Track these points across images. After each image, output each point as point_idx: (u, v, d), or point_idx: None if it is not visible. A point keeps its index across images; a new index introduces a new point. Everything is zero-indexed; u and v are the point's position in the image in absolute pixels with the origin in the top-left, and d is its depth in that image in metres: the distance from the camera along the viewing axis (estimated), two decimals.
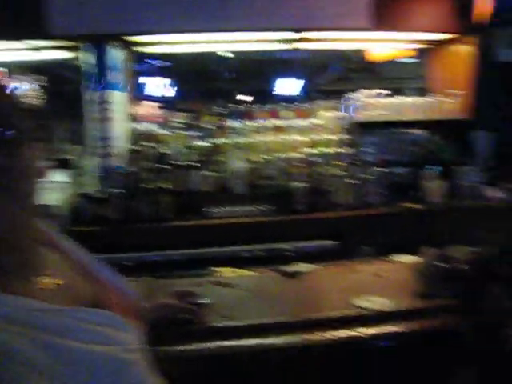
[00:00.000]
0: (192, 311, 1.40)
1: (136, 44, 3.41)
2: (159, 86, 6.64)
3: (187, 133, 3.37)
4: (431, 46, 3.86)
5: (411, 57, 4.39)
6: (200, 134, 3.37)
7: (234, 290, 1.74)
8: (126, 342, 0.70)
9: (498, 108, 3.68)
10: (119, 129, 3.22)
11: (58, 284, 0.78)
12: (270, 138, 3.26)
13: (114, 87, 3.19)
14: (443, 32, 3.54)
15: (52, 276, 0.78)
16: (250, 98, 6.32)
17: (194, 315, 1.41)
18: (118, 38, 3.18)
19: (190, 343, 1.37)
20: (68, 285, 0.80)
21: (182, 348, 1.36)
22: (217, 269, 2.06)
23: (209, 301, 1.49)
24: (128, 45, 3.33)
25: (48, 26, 3.01)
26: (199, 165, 3.10)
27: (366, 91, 3.52)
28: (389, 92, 3.52)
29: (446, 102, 3.53)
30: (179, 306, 1.39)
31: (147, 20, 3.10)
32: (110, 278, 0.94)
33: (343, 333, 1.41)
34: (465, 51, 3.59)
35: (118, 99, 3.21)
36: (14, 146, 0.67)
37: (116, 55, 3.19)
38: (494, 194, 3.43)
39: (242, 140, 3.23)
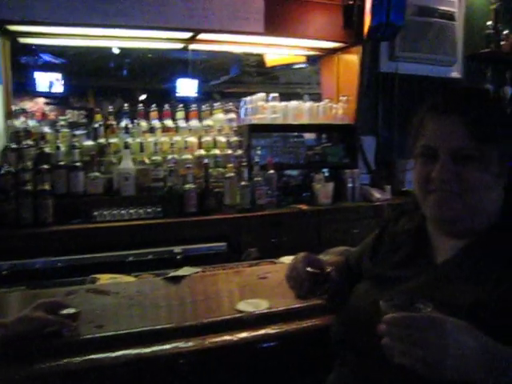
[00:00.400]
0: (60, 323, 1.30)
1: (19, 34, 3.15)
2: (49, 82, 6.23)
3: (73, 131, 3.17)
4: (322, 54, 4.02)
5: (304, 63, 4.53)
6: (87, 132, 3.18)
7: (110, 297, 1.65)
8: None
9: (378, 115, 3.93)
10: None
11: None
12: (161, 138, 3.17)
13: None
14: (332, 40, 3.68)
15: None
16: (149, 99, 6.14)
17: (62, 327, 1.31)
18: None
19: (60, 358, 1.26)
20: None
21: (49, 364, 1.25)
22: (96, 276, 1.95)
23: (78, 310, 1.38)
24: (10, 34, 3.07)
25: None
26: (83, 165, 2.93)
27: (260, 94, 3.56)
28: (277, 95, 3.58)
29: (336, 107, 3.68)
30: (45, 318, 1.28)
31: (34, 9, 2.86)
32: None
33: (223, 338, 1.38)
34: (352, 60, 3.77)
35: None
36: None
37: None
38: (380, 194, 3.64)
39: (131, 140, 3.10)
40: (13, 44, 3.19)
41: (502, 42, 4.42)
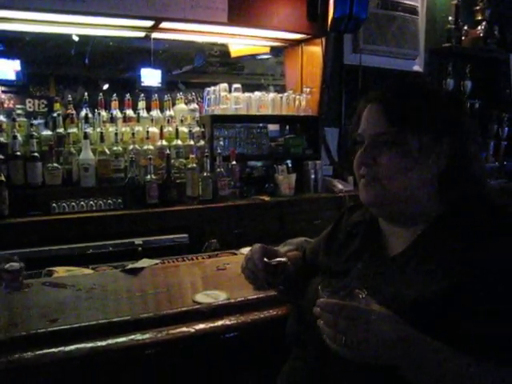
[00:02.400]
0: None
1: None
2: (5, 69, 6.00)
3: (32, 121, 3.08)
4: (286, 45, 4.02)
5: (269, 54, 4.52)
6: (45, 122, 3.10)
7: (66, 290, 1.62)
8: None
9: (342, 106, 3.98)
10: None
11: None
12: (122, 129, 3.11)
13: None
14: (295, 32, 3.68)
15: None
16: (112, 88, 6.01)
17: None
18: None
19: (12, 353, 1.23)
20: None
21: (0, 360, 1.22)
22: (52, 268, 1.91)
23: (21, 266, 1.32)
24: None
25: None
26: (41, 156, 2.85)
27: (223, 85, 3.53)
28: (240, 86, 3.57)
29: (300, 98, 3.69)
30: None
31: None
32: None
33: (180, 330, 1.38)
34: (316, 52, 3.79)
35: None
36: None
37: None
38: (342, 186, 3.69)
39: (91, 130, 3.04)
40: None
41: (463, 37, 4.54)
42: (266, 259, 1.23)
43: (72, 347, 1.25)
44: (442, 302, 0.89)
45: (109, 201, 2.85)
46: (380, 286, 0.99)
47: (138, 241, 2.68)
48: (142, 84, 3.53)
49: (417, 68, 4.39)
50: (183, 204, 2.96)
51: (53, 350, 1.25)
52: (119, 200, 2.87)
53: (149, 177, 2.87)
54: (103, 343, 1.28)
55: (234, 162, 3.17)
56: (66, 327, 1.32)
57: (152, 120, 3.22)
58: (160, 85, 3.52)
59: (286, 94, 3.68)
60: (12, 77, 6.15)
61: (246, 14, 3.40)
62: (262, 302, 1.50)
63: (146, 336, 1.31)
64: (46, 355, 1.24)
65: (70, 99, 3.23)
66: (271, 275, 1.23)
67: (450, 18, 4.46)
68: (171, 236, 2.76)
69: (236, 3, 3.32)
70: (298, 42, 3.92)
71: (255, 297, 1.52)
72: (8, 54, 5.85)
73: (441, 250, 0.97)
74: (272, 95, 3.62)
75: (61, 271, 1.83)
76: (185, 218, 2.88)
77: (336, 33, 3.62)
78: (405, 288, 0.95)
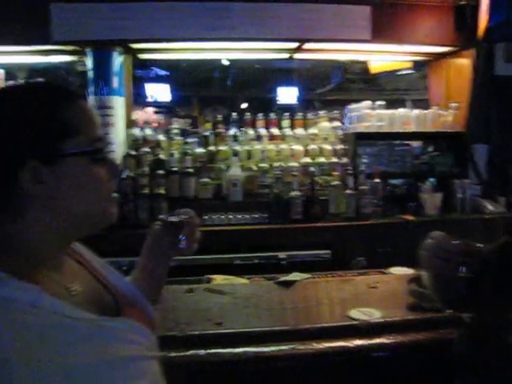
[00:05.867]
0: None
1: (139, 51, 3.42)
2: (158, 92, 6.64)
3: (184, 139, 3.37)
4: (431, 59, 3.89)
5: (411, 69, 4.41)
6: (197, 140, 3.36)
7: (226, 297, 1.73)
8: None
9: (491, 121, 3.70)
10: (119, 134, 3.22)
11: (80, 290, 0.82)
12: (267, 146, 3.26)
13: (115, 92, 3.20)
14: (442, 45, 3.55)
15: (74, 282, 0.83)
16: (249, 107, 6.33)
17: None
18: (121, 45, 3.19)
19: (186, 350, 1.36)
20: (88, 291, 0.85)
21: (171, 354, 1.34)
22: (211, 276, 2.05)
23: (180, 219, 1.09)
24: (131, 51, 3.35)
25: (53, 32, 3.02)
26: (195, 171, 3.10)
27: (364, 102, 3.53)
28: (384, 103, 3.53)
29: (444, 114, 3.54)
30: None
31: (151, 27, 3.11)
32: (126, 288, 0.97)
33: (337, 344, 1.40)
34: (464, 64, 3.61)
35: (118, 104, 3.22)
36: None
37: (118, 61, 3.20)
38: (493, 207, 3.43)
39: (239, 148, 3.23)
40: (132, 60, 3.47)
41: None
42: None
43: (239, 350, 1.33)
44: None
45: (255, 215, 2.99)
46: None
47: (281, 255, 2.76)
48: (280, 102, 3.64)
49: None
50: (326, 220, 2.98)
51: (221, 350, 1.35)
52: (264, 214, 2.99)
53: (293, 193, 2.96)
54: (267, 349, 1.34)
55: (377, 180, 3.13)
56: (232, 331, 1.41)
57: (296, 138, 3.32)
58: (302, 103, 3.61)
59: (431, 110, 3.55)
60: (162, 99, 6.79)
61: (389, 31, 3.37)
62: (421, 323, 1.46)
63: (307, 347, 1.35)
64: (214, 354, 1.34)
65: (220, 118, 3.47)
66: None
67: None
68: (314, 251, 2.80)
69: (379, 20, 3.31)
70: (443, 55, 3.77)
71: (413, 317, 1.48)
72: (161, 79, 6.49)
73: None
74: (416, 111, 3.51)
75: (219, 279, 1.96)
76: (327, 234, 2.90)
77: (490, 42, 3.40)
78: None
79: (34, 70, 3.96)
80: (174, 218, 1.03)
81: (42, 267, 0.76)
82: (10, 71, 3.79)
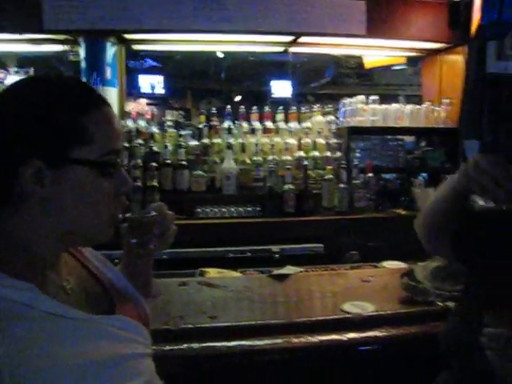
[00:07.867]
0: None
1: (133, 41, 3.39)
2: (151, 84, 6.60)
3: (178, 131, 3.35)
4: (424, 55, 3.90)
5: (404, 64, 4.42)
6: (191, 133, 3.35)
7: (219, 290, 1.74)
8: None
9: (482, 117, 3.73)
10: None
11: (75, 288, 0.82)
12: (261, 139, 3.25)
13: (108, 83, 3.17)
14: (435, 41, 3.56)
15: (69, 280, 0.82)
16: (243, 100, 6.32)
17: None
18: (115, 35, 3.17)
19: (180, 343, 1.36)
20: (82, 288, 0.84)
21: (165, 348, 1.35)
22: (204, 269, 2.06)
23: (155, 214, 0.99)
24: (124, 42, 3.32)
25: (45, 20, 2.98)
26: (188, 164, 3.09)
27: (358, 97, 3.53)
28: (377, 98, 3.54)
29: (437, 110, 3.56)
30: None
31: (146, 18, 3.08)
32: (120, 282, 0.96)
33: (330, 337, 1.41)
34: (457, 61, 3.62)
35: (111, 95, 3.19)
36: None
37: (111, 51, 3.18)
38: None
39: (233, 141, 3.22)
40: (125, 51, 3.44)
41: None
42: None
43: (233, 343, 1.34)
44: None
45: (248, 208, 3.00)
46: None
47: (274, 248, 2.77)
48: (273, 96, 3.63)
49: None
50: (319, 214, 2.99)
51: (215, 344, 1.36)
52: (258, 208, 3.00)
53: (287, 186, 2.96)
54: (260, 343, 1.35)
55: (370, 174, 3.14)
56: (226, 324, 1.42)
57: (290, 131, 3.32)
58: (296, 97, 3.61)
59: (424, 106, 3.57)
60: (156, 91, 6.73)
61: (384, 26, 3.37)
62: (413, 317, 1.48)
63: (301, 340, 1.36)
64: (208, 348, 1.35)
65: (214, 111, 3.45)
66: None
67: None
68: (307, 245, 2.81)
69: (374, 15, 3.31)
70: (436, 52, 3.78)
71: (405, 311, 1.50)
72: (154, 71, 6.45)
73: None
74: (410, 107, 3.53)
75: (212, 272, 1.97)
76: (321, 228, 2.91)
77: (482, 40, 3.42)
78: None
79: (24, 59, 3.91)
80: (145, 215, 0.94)
81: (38, 266, 0.75)
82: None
